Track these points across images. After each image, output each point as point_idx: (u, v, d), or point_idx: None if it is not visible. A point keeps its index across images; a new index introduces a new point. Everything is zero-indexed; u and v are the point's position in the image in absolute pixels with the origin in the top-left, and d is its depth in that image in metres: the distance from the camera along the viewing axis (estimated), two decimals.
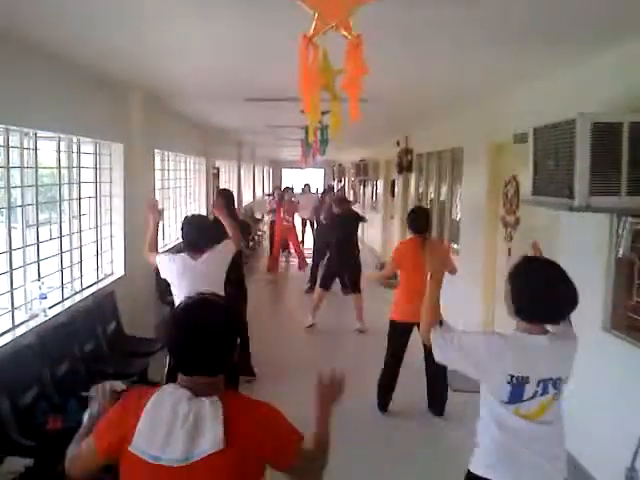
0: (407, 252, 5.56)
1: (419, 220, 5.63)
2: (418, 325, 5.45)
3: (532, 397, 2.39)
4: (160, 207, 5.04)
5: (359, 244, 9.15)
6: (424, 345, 5.36)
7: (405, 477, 4.69)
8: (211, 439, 1.74)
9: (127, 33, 4.19)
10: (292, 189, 15.26)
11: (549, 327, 2.50)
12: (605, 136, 3.36)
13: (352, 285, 8.60)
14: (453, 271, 5.47)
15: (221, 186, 14.49)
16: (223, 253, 4.67)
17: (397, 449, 5.12)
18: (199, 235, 4.57)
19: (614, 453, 3.77)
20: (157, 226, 4.88)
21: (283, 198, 13.75)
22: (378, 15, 3.16)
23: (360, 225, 9.33)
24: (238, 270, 5.95)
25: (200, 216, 5.11)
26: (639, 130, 3.34)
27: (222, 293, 4.47)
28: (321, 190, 18.22)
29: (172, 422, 1.75)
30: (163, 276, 4.63)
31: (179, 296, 4.45)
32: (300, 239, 15.19)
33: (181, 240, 4.88)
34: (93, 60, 5.15)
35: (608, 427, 4.12)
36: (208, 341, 1.85)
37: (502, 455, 2.43)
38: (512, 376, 2.35)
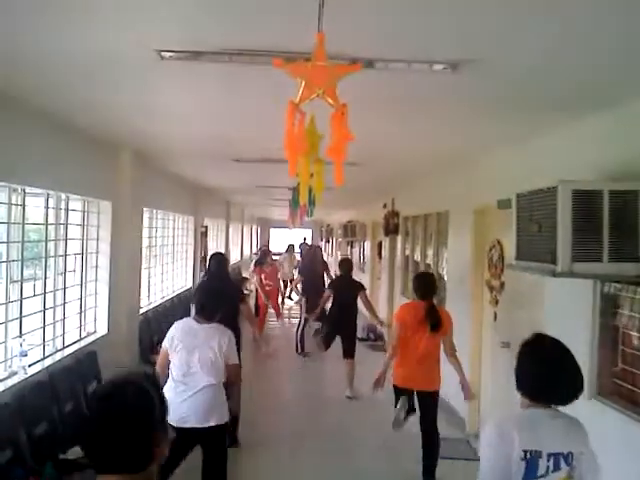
0: (408, 315, 5.43)
1: (424, 285, 5.55)
2: (418, 394, 5.40)
3: (545, 474, 2.32)
4: None
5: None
6: (420, 408, 5.25)
7: None
8: None
9: (118, 96, 4.28)
10: (269, 251, 14.02)
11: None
12: (586, 203, 3.43)
13: (346, 351, 8.49)
14: (451, 348, 5.44)
15: (211, 248, 14.41)
16: (223, 345, 4.34)
17: None
18: (208, 302, 4.40)
19: None
20: None
21: (262, 263, 12.44)
22: (363, 83, 3.27)
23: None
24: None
25: (212, 283, 5.04)
26: (619, 198, 3.42)
27: (221, 362, 4.32)
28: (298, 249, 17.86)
29: None
30: (164, 346, 4.37)
31: (175, 363, 4.26)
32: (281, 300, 14.62)
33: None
34: (83, 119, 5.24)
35: None
36: (122, 432, 1.54)
37: None
38: (525, 451, 2.30)
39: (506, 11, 2.46)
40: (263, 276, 12.18)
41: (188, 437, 4.21)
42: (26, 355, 4.96)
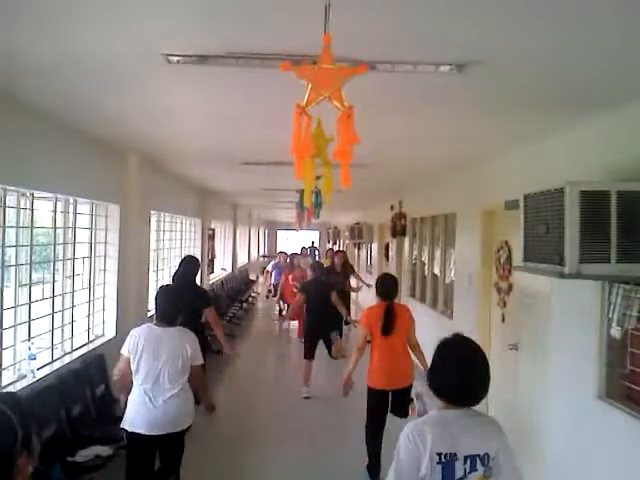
0: (375, 317, 5.50)
1: (386, 287, 5.65)
2: (393, 392, 5.42)
3: (463, 476, 2.31)
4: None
5: (343, 307, 8.95)
6: (399, 405, 5.23)
7: None
8: None
9: (126, 100, 4.30)
10: (299, 257, 14.97)
11: None
12: (594, 204, 3.41)
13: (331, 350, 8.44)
14: (412, 341, 5.57)
15: (217, 248, 14.45)
16: (189, 348, 4.30)
17: None
18: (170, 307, 4.37)
19: None
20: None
21: (293, 264, 13.37)
22: (369, 85, 3.28)
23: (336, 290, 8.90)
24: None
25: (174, 288, 5.02)
26: (627, 199, 3.40)
27: (188, 366, 4.29)
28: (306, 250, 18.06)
29: None
30: (125, 354, 4.27)
31: (141, 372, 4.18)
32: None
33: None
34: (91, 123, 5.26)
35: None
36: None
37: None
38: (440, 454, 2.29)
39: (511, 12, 2.46)
40: (291, 277, 12.75)
41: (156, 443, 4.23)
42: (35, 358, 4.98)
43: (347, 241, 20.30)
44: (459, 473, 2.31)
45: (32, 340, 5.08)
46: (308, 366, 8.41)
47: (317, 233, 30.91)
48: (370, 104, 3.55)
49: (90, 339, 6.43)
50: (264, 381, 9.36)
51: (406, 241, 11.60)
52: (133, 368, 4.22)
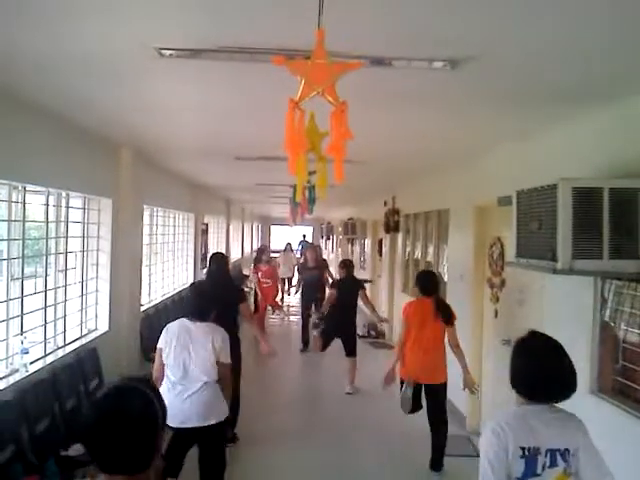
0: (415, 311, 5.66)
1: (426, 282, 5.82)
2: (426, 385, 5.51)
3: (542, 471, 2.33)
4: None
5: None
6: (428, 401, 5.34)
7: None
8: None
9: (118, 94, 4.28)
10: (267, 250, 14.69)
11: None
12: (586, 201, 3.43)
13: (348, 350, 8.53)
14: (453, 341, 5.66)
15: (212, 248, 14.43)
16: (217, 343, 4.27)
17: None
18: (200, 303, 4.39)
19: None
20: None
21: (260, 260, 12.73)
22: (363, 81, 3.27)
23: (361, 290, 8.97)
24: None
25: (207, 284, 5.03)
26: (619, 195, 3.42)
27: (215, 364, 4.27)
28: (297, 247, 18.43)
29: None
30: (159, 346, 4.32)
31: (171, 363, 4.21)
32: (281, 297, 15.49)
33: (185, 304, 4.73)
34: (83, 117, 5.24)
35: None
36: (126, 434, 1.65)
37: None
38: (524, 448, 2.31)
39: (505, 8, 2.46)
40: (260, 274, 12.36)
41: (188, 437, 4.22)
42: (27, 352, 4.96)
43: (340, 237, 20.32)
44: (540, 467, 2.32)
45: (25, 334, 5.06)
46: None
47: (310, 229, 30.87)
48: (363, 99, 3.55)
49: (83, 333, 6.42)
50: (267, 377, 9.36)
51: (399, 237, 11.61)
52: (165, 361, 4.25)
